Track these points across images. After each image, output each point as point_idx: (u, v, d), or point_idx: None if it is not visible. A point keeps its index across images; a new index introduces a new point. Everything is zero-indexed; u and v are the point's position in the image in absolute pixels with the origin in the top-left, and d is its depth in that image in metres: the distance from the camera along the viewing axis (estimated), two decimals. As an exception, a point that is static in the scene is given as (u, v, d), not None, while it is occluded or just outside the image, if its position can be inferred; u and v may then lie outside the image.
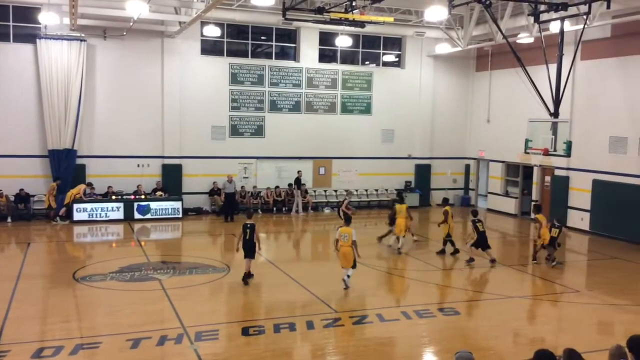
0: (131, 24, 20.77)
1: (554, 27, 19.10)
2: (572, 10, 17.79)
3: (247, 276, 13.90)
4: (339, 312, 11.85)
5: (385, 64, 26.95)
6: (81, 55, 21.63)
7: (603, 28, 19.98)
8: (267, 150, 24.92)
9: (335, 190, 26.09)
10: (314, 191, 25.71)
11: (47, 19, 19.10)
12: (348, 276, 13.36)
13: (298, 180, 24.61)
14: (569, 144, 18.01)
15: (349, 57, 26.30)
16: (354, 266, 13.34)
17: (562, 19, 18.34)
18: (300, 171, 24.87)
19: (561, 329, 11.79)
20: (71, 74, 21.53)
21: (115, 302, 12.31)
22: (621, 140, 19.94)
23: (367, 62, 26.69)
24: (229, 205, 22.63)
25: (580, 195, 21.59)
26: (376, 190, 26.67)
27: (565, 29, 18.58)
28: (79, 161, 22.24)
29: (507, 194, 25.94)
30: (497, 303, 13.15)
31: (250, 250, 13.95)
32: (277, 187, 24.89)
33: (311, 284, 13.84)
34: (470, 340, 10.58)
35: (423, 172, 27.28)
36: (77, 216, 21.13)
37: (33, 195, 21.70)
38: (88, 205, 21.33)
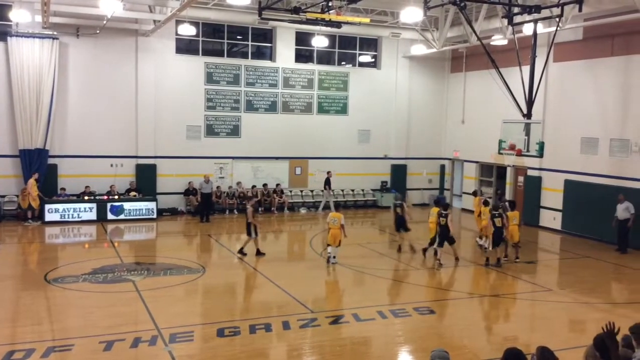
0: (104, 22, 20.51)
1: (527, 30, 19.35)
2: (545, 12, 18.04)
3: (240, 250, 16.80)
4: (315, 312, 11.84)
5: (362, 64, 27.04)
6: (53, 53, 21.29)
7: (575, 31, 20.30)
8: (243, 150, 24.80)
9: (312, 191, 26.09)
10: (290, 191, 25.67)
11: (19, 16, 18.79)
12: (334, 257, 15.83)
13: (328, 181, 24.71)
14: (541, 145, 18.30)
15: (325, 58, 26.33)
16: (338, 245, 15.77)
17: (535, 22, 18.61)
18: (329, 172, 24.96)
19: (534, 327, 11.95)
20: (43, 72, 21.17)
21: (88, 304, 12.14)
22: (592, 141, 20.29)
23: (343, 63, 26.74)
24: (205, 205, 22.49)
25: (552, 195, 21.92)
26: (352, 190, 26.73)
27: (538, 32, 18.85)
28: (51, 161, 21.88)
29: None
30: (471, 302, 13.30)
31: (247, 230, 16.68)
32: (253, 186, 24.80)
33: (287, 284, 13.82)
34: (445, 339, 10.67)
35: (399, 173, 27.43)
36: (49, 217, 20.79)
37: (3, 196, 21.30)
38: (60, 206, 21.00)
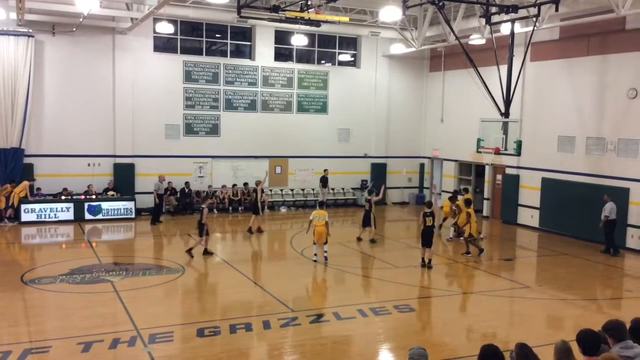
0: (81, 19, 20.27)
1: (505, 29, 19.53)
2: (522, 12, 18.23)
3: None
4: (296, 312, 11.83)
5: (341, 63, 27.07)
6: (29, 51, 20.99)
7: (551, 30, 20.55)
8: (222, 149, 24.68)
9: (292, 189, 26.07)
10: (270, 190, 25.61)
11: (-7, 13, 18.47)
12: (325, 252, 15.80)
13: (325, 179, 24.76)
14: (519, 143, 18.46)
15: (304, 56, 26.31)
16: (326, 242, 15.75)
17: (513, 21, 18.79)
18: (326, 170, 25.05)
19: (512, 323, 12.08)
20: (18, 70, 20.88)
21: (65, 305, 11.99)
22: (569, 139, 20.55)
23: (322, 62, 26.74)
24: (160, 207, 21.87)
25: (530, 193, 22.15)
26: (332, 189, 26.72)
27: (515, 31, 19.03)
28: (27, 160, 21.58)
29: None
30: (450, 299, 13.39)
31: (200, 230, 16.34)
32: (234, 185, 24.70)
33: (268, 283, 13.80)
34: (424, 337, 10.75)
35: (379, 171, 27.51)
36: (25, 217, 20.48)
37: (-22, 196, 20.95)
38: (37, 206, 20.71)
